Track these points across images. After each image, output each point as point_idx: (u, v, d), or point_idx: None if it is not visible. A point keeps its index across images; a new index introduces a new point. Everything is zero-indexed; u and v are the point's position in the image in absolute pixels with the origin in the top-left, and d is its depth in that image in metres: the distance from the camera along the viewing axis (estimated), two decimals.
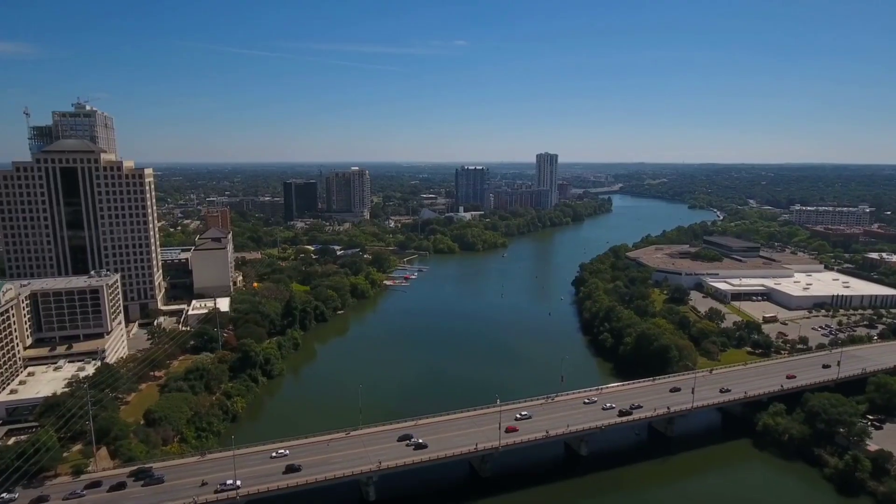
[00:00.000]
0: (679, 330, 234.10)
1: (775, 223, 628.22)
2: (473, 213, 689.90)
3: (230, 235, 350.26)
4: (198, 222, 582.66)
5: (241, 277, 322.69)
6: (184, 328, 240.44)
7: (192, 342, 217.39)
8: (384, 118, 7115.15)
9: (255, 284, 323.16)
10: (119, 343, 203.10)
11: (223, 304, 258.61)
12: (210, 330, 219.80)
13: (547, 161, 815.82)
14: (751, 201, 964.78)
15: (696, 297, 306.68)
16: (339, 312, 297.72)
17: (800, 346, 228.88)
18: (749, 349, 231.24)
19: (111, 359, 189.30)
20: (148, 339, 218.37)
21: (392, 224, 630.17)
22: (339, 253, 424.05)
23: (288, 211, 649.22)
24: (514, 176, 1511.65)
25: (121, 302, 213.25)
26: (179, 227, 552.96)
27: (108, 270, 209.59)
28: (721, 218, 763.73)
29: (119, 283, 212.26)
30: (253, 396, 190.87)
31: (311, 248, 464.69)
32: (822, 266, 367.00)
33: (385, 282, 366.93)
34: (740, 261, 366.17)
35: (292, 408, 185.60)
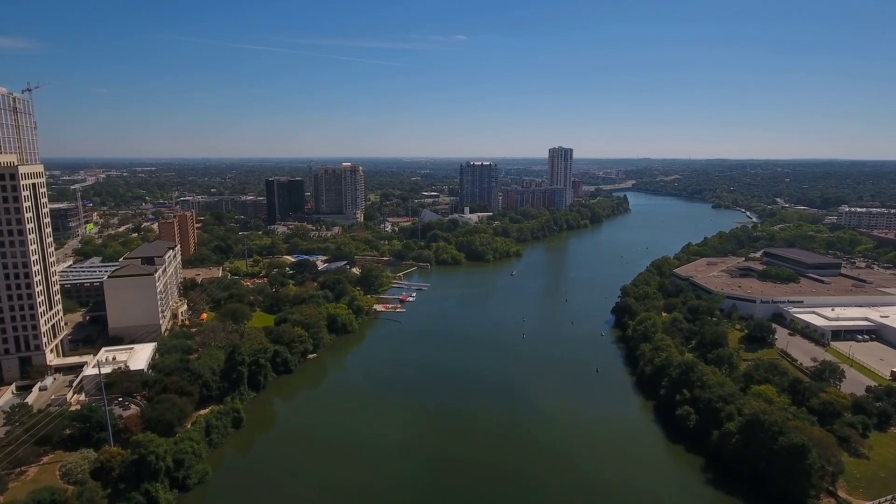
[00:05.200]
0: (795, 405, 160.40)
1: (824, 227, 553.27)
2: (480, 214, 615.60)
3: (175, 251, 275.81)
4: None
5: (184, 307, 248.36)
6: (76, 398, 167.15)
7: (67, 430, 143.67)
8: (384, 113, 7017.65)
9: (204, 316, 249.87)
10: None
11: (140, 356, 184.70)
12: (97, 411, 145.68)
13: (560, 156, 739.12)
14: (778, 200, 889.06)
15: (780, 334, 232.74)
16: (311, 357, 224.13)
17: None
18: None
19: None
20: (4, 425, 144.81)
21: (389, 228, 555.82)
22: (321, 268, 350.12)
23: (271, 212, 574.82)
24: (518, 172, 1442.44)
25: None
26: (142, 233, 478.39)
27: None
28: (753, 220, 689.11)
29: None
30: None
31: (291, 258, 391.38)
32: None
33: (375, 307, 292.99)
34: (821, 281, 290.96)
35: None
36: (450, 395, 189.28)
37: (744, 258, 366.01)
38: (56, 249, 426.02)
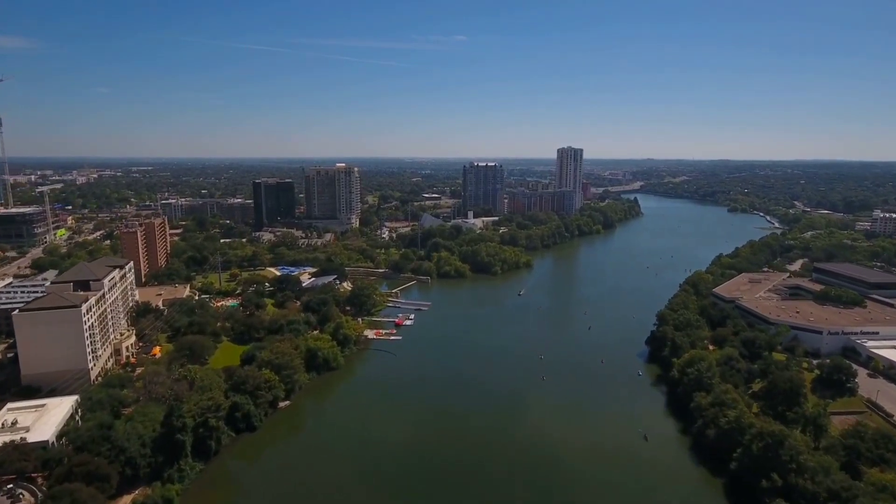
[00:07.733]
0: None
1: (858, 234, 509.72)
2: (485, 219, 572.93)
3: (125, 269, 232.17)
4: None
5: (132, 340, 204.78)
6: None
7: None
8: (385, 113, 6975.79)
9: (157, 350, 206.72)
10: None
11: (52, 416, 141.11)
12: None
13: (570, 157, 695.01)
14: (797, 203, 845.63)
15: (859, 375, 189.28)
16: (283, 405, 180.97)
17: None
18: None
19: None
20: None
21: (386, 234, 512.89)
22: (306, 283, 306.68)
23: (258, 217, 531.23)
24: (521, 173, 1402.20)
25: None
26: (114, 240, 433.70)
27: None
28: (776, 225, 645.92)
29: None
30: None
31: (275, 271, 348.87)
32: None
33: (366, 332, 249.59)
34: (890, 305, 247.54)
35: None
36: (454, 468, 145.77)
37: (788, 274, 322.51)
38: (16, 260, 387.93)
